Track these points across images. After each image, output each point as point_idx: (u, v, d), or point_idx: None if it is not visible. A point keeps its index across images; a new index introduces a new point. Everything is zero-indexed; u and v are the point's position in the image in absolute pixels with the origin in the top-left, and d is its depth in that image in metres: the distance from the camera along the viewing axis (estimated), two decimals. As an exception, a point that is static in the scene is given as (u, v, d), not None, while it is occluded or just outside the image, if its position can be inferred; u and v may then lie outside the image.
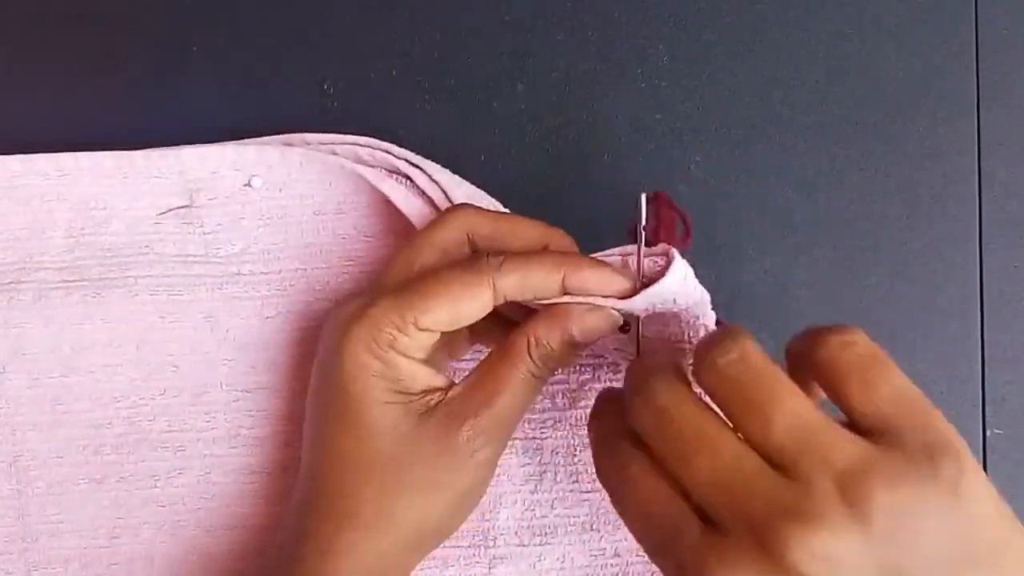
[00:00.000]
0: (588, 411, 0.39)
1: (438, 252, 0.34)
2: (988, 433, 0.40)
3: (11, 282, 0.39)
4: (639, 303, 0.32)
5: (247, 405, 0.39)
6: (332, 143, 0.39)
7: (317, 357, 0.35)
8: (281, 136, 0.40)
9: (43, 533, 0.39)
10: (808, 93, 0.41)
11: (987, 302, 0.41)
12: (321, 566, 0.33)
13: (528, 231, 0.35)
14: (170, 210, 0.39)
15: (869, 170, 0.41)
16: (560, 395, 0.40)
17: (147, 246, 0.39)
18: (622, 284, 0.33)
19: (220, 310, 0.39)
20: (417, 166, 0.38)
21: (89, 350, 0.39)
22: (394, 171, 0.39)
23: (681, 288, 0.33)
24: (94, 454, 0.39)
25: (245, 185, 0.39)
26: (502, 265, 0.32)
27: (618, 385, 0.39)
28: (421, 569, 0.38)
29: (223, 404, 0.39)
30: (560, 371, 0.39)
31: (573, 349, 0.34)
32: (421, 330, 0.32)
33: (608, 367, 0.40)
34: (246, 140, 0.40)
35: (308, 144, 0.39)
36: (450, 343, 0.36)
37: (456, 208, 0.35)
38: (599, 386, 0.39)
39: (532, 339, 0.33)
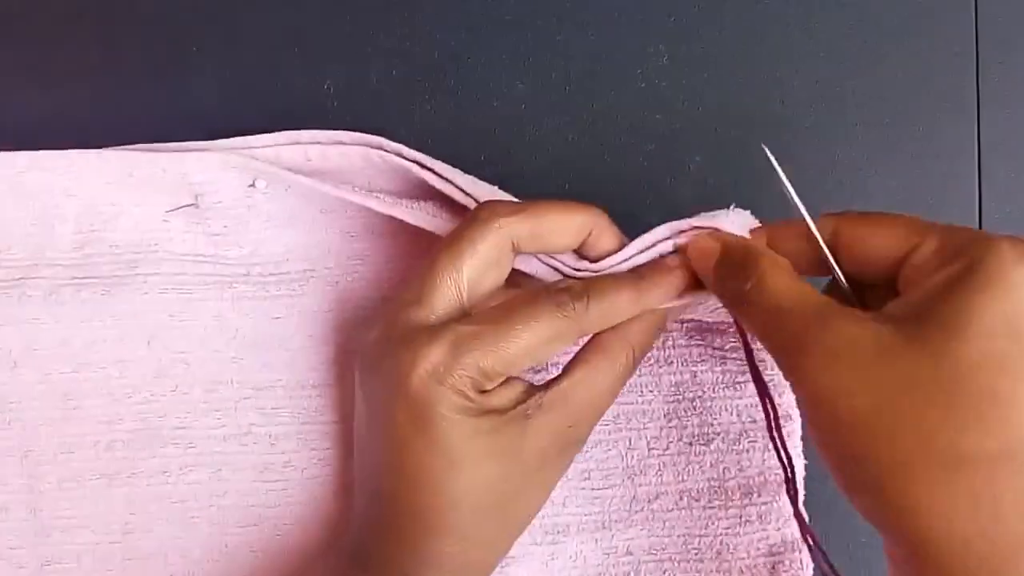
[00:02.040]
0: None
1: (484, 266, 0.33)
2: (988, 432, 0.40)
3: (21, 278, 0.39)
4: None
5: (258, 403, 0.39)
6: (342, 141, 0.38)
7: (371, 384, 0.34)
8: (289, 133, 0.39)
9: (55, 528, 0.39)
10: (808, 93, 0.41)
11: (987, 302, 0.40)
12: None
13: (569, 224, 0.34)
14: (179, 207, 0.39)
15: (869, 170, 0.41)
16: None
17: (156, 244, 0.39)
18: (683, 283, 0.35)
19: (229, 309, 0.39)
20: (430, 168, 0.37)
21: (100, 346, 0.39)
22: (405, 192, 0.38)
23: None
24: (105, 450, 0.39)
25: (250, 186, 0.39)
26: (588, 308, 0.33)
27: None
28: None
29: (234, 401, 0.39)
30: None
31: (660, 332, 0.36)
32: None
33: None
34: (253, 137, 0.39)
35: (319, 142, 0.39)
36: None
37: (489, 214, 0.33)
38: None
39: (634, 349, 0.34)
